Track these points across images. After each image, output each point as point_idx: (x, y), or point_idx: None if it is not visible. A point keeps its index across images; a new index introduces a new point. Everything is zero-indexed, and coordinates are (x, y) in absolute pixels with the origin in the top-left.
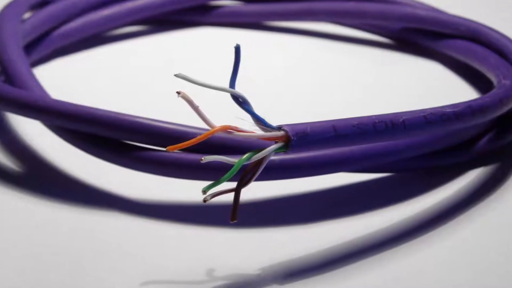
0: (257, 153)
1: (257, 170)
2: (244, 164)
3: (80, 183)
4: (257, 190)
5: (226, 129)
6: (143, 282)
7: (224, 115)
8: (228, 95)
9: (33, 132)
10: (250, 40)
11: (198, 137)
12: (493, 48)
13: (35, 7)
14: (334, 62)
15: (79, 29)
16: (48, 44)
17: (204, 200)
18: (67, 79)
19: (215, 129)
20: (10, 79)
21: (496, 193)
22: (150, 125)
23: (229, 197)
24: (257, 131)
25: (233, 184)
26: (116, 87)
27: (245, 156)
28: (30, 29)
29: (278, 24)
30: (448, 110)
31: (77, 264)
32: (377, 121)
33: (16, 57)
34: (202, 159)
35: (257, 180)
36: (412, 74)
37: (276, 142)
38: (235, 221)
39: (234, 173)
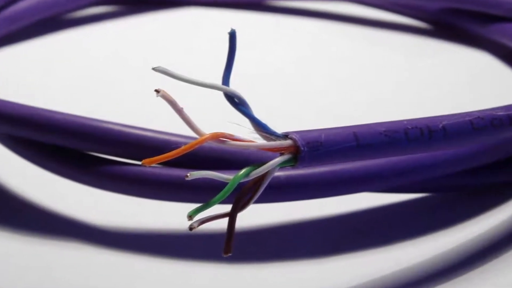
0: (258, 168)
1: (257, 190)
2: (241, 182)
3: (32, 206)
4: (257, 215)
5: (218, 137)
6: None
7: (215, 120)
8: (221, 94)
9: None
10: (249, 24)
11: (183, 147)
12: None
13: None
14: (355, 52)
15: (31, 11)
16: None
17: (190, 228)
18: (16, 73)
19: (204, 137)
20: None
21: None
22: (121, 132)
23: (222, 224)
24: (257, 139)
25: (227, 208)
26: (78, 84)
27: (242, 171)
28: None
29: (284, 4)
30: (500, 113)
31: None
32: (409, 127)
33: None
34: (187, 176)
35: (257, 202)
36: (454, 66)
37: (281, 154)
38: (230, 254)
39: (228, 193)
